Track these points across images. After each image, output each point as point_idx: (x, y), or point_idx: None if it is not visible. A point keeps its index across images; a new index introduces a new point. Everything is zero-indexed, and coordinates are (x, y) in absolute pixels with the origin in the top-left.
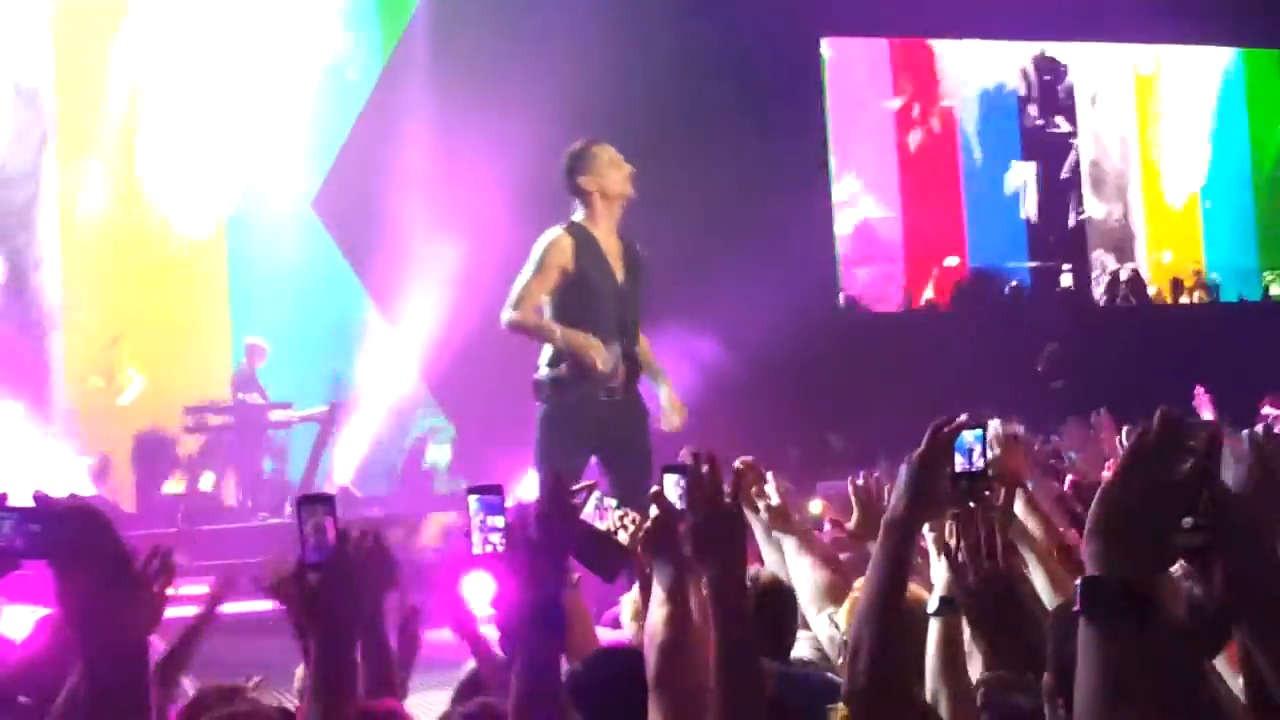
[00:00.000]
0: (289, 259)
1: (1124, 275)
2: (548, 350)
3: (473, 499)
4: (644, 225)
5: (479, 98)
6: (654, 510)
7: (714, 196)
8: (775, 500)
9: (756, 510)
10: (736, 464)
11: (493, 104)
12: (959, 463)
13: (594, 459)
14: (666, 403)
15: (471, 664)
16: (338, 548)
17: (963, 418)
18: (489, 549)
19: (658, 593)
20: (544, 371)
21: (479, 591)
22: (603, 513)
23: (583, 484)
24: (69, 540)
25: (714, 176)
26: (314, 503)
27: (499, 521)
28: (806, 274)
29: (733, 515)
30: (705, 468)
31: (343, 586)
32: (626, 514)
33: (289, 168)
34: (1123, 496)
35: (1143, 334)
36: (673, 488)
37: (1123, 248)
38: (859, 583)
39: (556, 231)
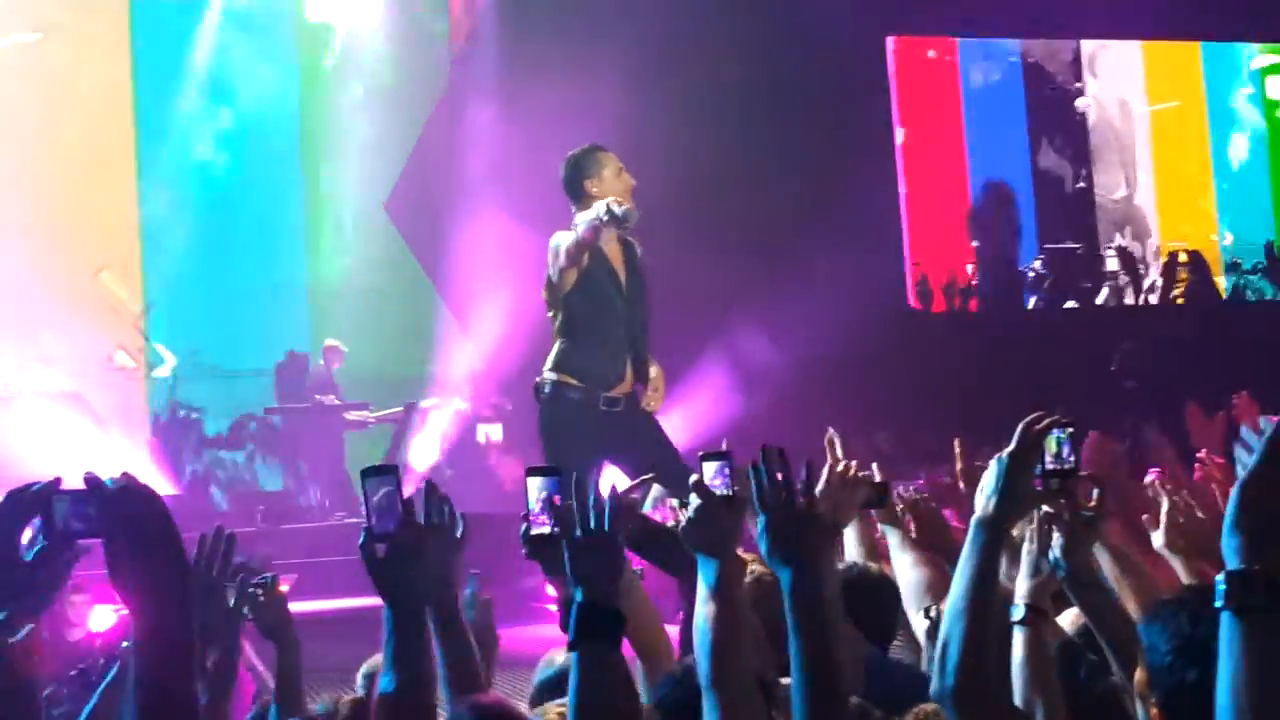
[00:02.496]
0: (362, 260)
1: (1182, 258)
2: (554, 354)
3: (532, 481)
4: (710, 224)
5: (546, 94)
6: (694, 500)
7: (784, 192)
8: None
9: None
10: (830, 436)
11: (561, 100)
12: (1048, 460)
13: (608, 463)
14: (650, 384)
15: (558, 659)
16: (405, 517)
17: (1061, 418)
18: (546, 529)
19: (703, 589)
20: (546, 374)
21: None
22: (662, 509)
23: (640, 479)
24: (122, 519)
25: (784, 172)
26: (379, 473)
27: (559, 501)
28: (874, 273)
29: (810, 515)
30: (777, 463)
31: (411, 555)
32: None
33: (361, 168)
34: (1266, 489)
35: (1210, 328)
36: (713, 476)
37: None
38: None
39: (565, 233)
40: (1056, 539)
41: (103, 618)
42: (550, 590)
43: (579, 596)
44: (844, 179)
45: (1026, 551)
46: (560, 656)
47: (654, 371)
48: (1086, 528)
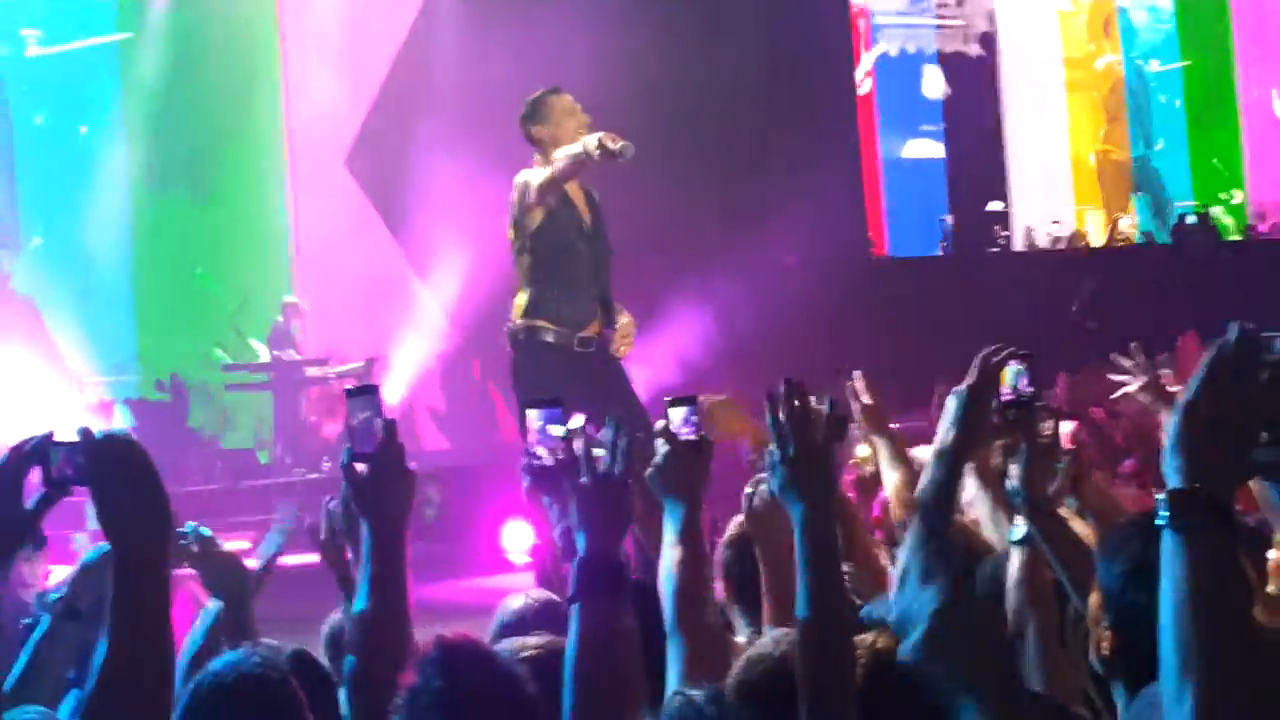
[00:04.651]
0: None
1: (1190, 220)
2: (521, 299)
3: (532, 413)
4: (674, 176)
5: (509, 49)
6: (661, 445)
7: (740, 140)
8: (867, 399)
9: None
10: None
11: (522, 55)
12: (1005, 392)
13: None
14: (620, 329)
15: (515, 604)
16: (386, 438)
17: (1018, 349)
18: (549, 460)
19: (670, 534)
20: (518, 320)
21: (517, 540)
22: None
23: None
24: (107, 463)
25: (739, 121)
26: (362, 394)
27: (559, 430)
28: (838, 222)
29: (823, 448)
30: (796, 396)
31: (392, 476)
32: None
33: (321, 123)
34: (1204, 411)
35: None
36: (679, 422)
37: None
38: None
39: (533, 170)
40: (1014, 468)
41: (60, 577)
42: (506, 540)
43: (582, 547)
44: (805, 120)
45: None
46: (517, 602)
47: (625, 319)
48: (1043, 456)
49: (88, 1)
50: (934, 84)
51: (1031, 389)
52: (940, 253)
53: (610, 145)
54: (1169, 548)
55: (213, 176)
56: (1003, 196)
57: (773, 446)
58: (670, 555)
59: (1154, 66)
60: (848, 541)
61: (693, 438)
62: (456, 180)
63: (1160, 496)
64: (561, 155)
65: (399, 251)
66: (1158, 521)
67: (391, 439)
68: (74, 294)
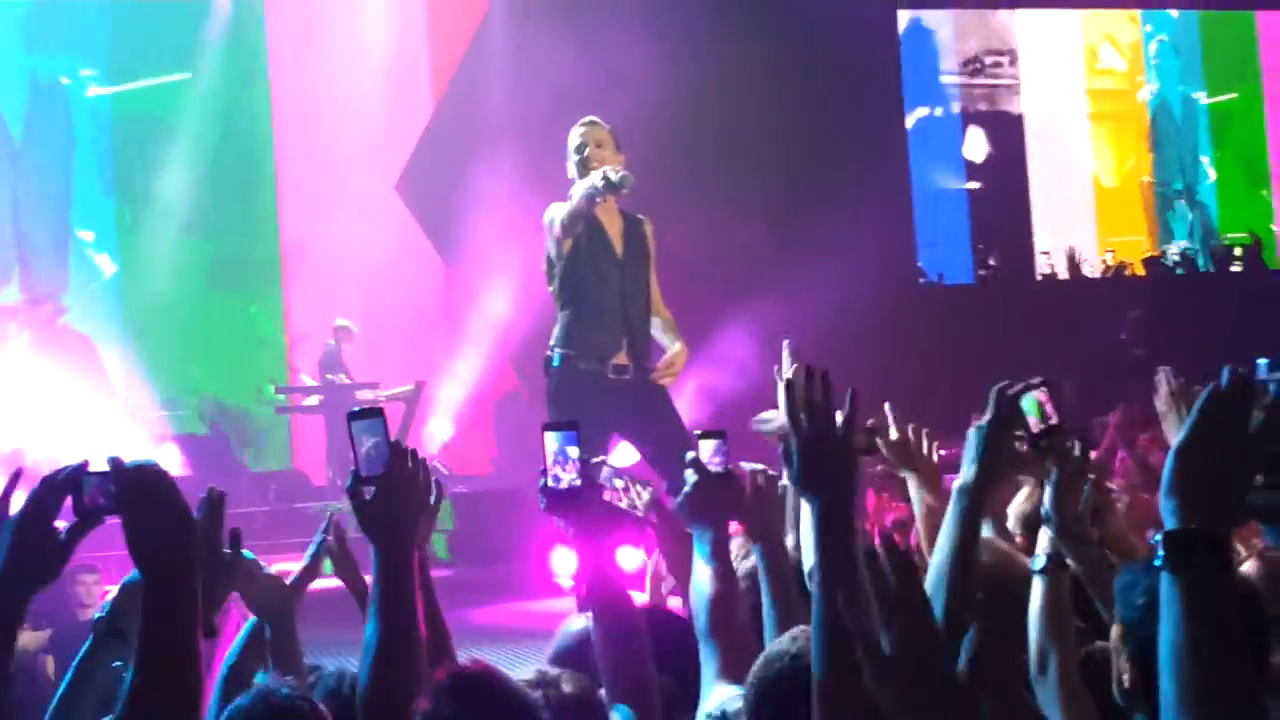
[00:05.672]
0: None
1: (1237, 252)
2: (557, 328)
3: (550, 435)
4: (722, 205)
5: (559, 76)
6: (690, 476)
7: (791, 170)
8: (894, 433)
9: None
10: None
11: (573, 82)
12: (1033, 423)
13: (617, 437)
14: (666, 359)
15: (575, 626)
16: (393, 461)
17: (1034, 380)
18: (565, 484)
19: (699, 556)
20: (553, 349)
21: (565, 564)
22: (612, 490)
23: (597, 459)
24: (136, 494)
25: (791, 151)
26: (365, 416)
27: (575, 452)
28: (887, 250)
29: (844, 439)
30: (818, 384)
31: (400, 499)
32: (630, 487)
33: (372, 150)
34: (1198, 454)
35: (1221, 299)
36: (709, 453)
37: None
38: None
39: (560, 204)
40: (1047, 494)
41: None
42: (555, 564)
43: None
44: (856, 152)
45: (1015, 506)
46: (577, 624)
47: (677, 347)
48: (1073, 478)
49: (147, 42)
50: (976, 146)
51: (1057, 415)
52: (975, 281)
53: (611, 178)
54: (1166, 588)
55: (262, 209)
56: (1027, 225)
57: (790, 436)
58: (701, 572)
59: (1200, 98)
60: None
61: (720, 469)
62: (505, 206)
63: (1157, 538)
64: (577, 189)
65: (448, 276)
66: (1155, 563)
67: (399, 462)
68: (130, 329)
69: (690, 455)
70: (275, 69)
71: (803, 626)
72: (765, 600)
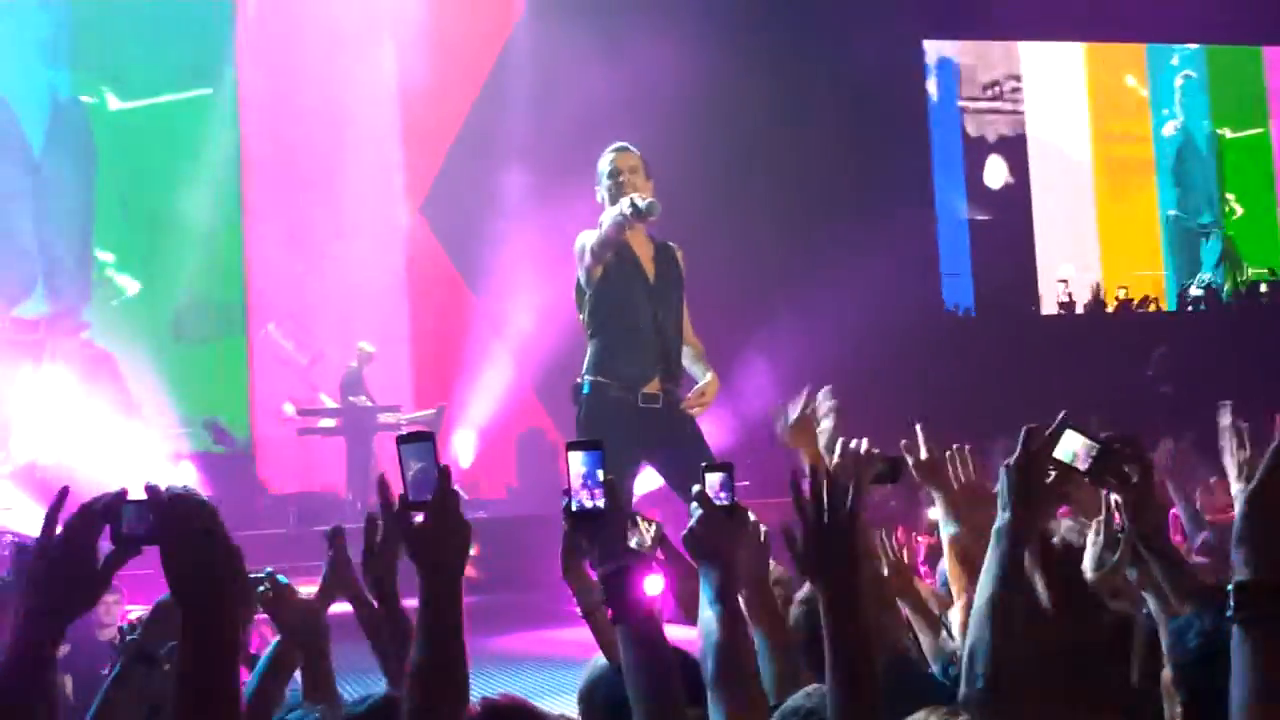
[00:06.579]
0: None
1: (1263, 288)
2: (589, 355)
3: (575, 454)
4: (746, 233)
5: (584, 99)
6: (695, 510)
7: (815, 199)
8: (924, 453)
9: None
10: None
11: (598, 105)
12: (1081, 455)
13: (645, 464)
14: (698, 389)
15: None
16: (442, 485)
17: (1061, 415)
18: (592, 505)
19: (706, 595)
20: (584, 376)
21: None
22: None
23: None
24: (175, 524)
25: (814, 179)
26: (415, 440)
27: (602, 474)
28: (911, 279)
29: (843, 530)
30: (820, 481)
31: (449, 526)
32: (635, 523)
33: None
34: (1269, 501)
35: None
36: (714, 487)
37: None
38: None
39: (589, 232)
40: (1118, 516)
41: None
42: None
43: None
44: (881, 180)
45: (1091, 544)
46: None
47: (708, 378)
48: (1139, 489)
49: (168, 58)
50: (996, 174)
51: (1099, 443)
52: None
53: (639, 204)
54: (1237, 640)
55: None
56: (1031, 256)
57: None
58: (707, 614)
59: (1226, 134)
60: (897, 586)
61: (726, 503)
62: (530, 230)
63: (1228, 588)
64: (606, 216)
65: (473, 300)
66: (1227, 614)
67: (447, 487)
68: (152, 348)
69: (695, 489)
70: (289, 76)
71: (816, 685)
72: (759, 642)
